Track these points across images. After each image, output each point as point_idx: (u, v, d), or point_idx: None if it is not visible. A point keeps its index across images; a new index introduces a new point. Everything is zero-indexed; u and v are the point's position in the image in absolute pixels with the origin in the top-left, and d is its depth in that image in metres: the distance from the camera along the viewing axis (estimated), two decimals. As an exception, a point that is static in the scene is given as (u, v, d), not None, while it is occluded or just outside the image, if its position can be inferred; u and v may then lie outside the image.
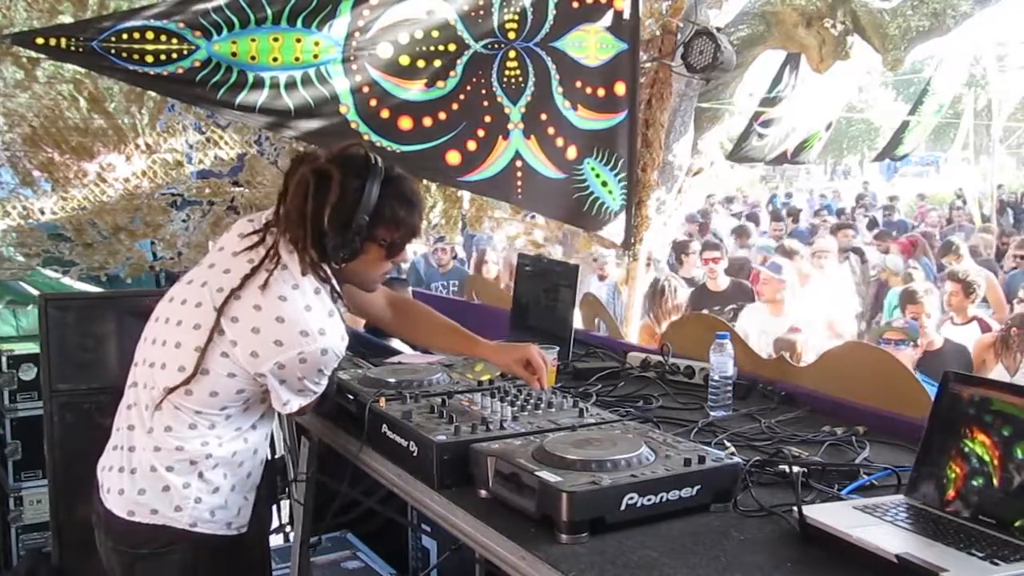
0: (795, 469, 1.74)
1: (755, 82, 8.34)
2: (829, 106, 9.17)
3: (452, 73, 3.27)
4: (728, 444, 1.96)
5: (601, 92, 3.54)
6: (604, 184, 3.64)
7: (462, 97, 3.30)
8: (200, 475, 1.94)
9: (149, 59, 2.76)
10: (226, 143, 3.43)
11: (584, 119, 3.53)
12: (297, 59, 3.00)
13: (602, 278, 6.75)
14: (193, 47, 2.81)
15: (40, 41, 2.68)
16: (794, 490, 1.61)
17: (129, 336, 2.14)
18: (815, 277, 6.40)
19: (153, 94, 3.20)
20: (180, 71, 2.81)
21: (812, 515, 1.51)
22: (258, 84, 2.94)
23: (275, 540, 3.45)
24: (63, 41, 2.67)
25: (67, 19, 3.01)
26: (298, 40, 2.98)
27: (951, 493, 1.58)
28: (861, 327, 6.57)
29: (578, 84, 3.48)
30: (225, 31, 2.85)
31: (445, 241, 6.84)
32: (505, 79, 3.36)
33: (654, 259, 6.25)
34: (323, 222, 1.86)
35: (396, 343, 3.81)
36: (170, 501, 1.92)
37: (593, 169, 3.60)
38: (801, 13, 5.14)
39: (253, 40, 2.91)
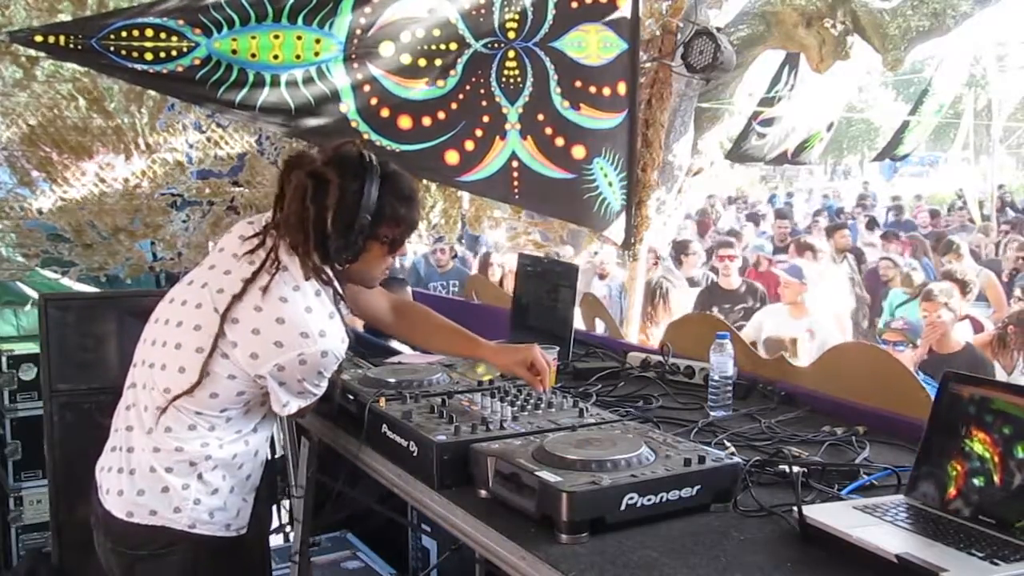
0: (795, 469, 1.74)
1: (755, 82, 8.34)
2: (829, 106, 9.17)
3: (452, 72, 3.27)
4: (728, 444, 1.96)
5: (606, 91, 3.53)
6: (611, 184, 3.64)
7: (461, 97, 3.30)
8: (199, 476, 1.94)
9: (149, 57, 2.76)
10: (226, 143, 3.42)
11: (590, 118, 3.53)
12: (298, 57, 2.99)
13: (602, 277, 6.76)
14: (193, 44, 2.80)
15: (39, 39, 2.68)
16: (794, 490, 1.61)
17: (129, 336, 2.14)
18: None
19: (153, 93, 3.19)
20: (180, 69, 2.80)
21: (812, 515, 1.51)
22: (259, 82, 2.94)
23: (275, 540, 3.46)
24: (62, 39, 2.66)
25: (66, 18, 3.00)
26: (299, 38, 2.98)
27: (951, 493, 1.58)
28: (864, 326, 6.58)
29: (578, 84, 3.47)
30: (226, 28, 2.84)
31: (444, 241, 6.85)
32: (504, 79, 3.36)
33: (661, 258, 6.27)
34: (325, 226, 1.86)
35: (396, 343, 3.82)
36: (169, 502, 1.92)
37: (602, 169, 3.60)
38: (801, 13, 5.14)
39: (254, 37, 2.90)
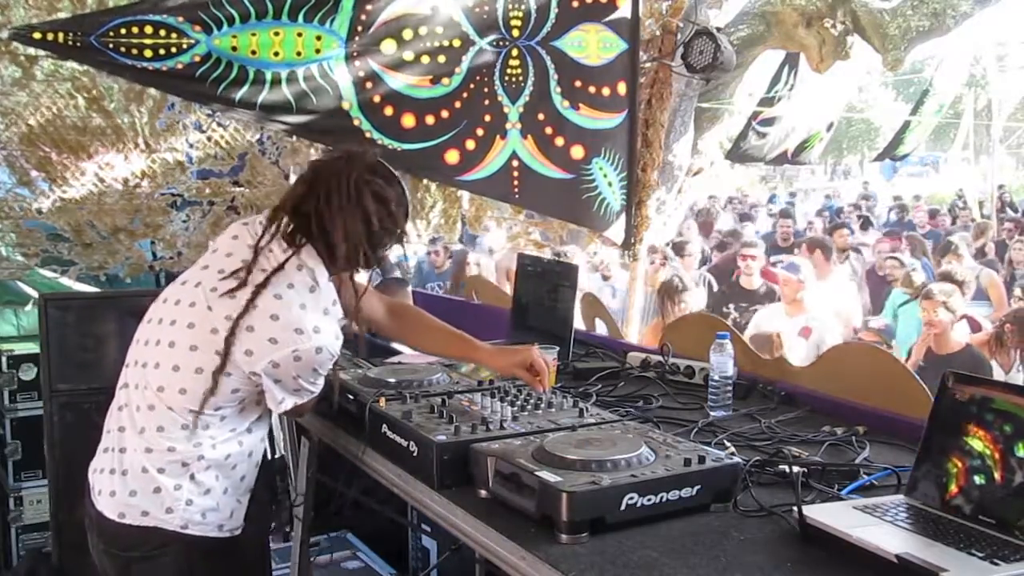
0: (795, 469, 1.74)
1: (755, 82, 8.34)
2: (829, 106, 9.17)
3: (457, 70, 3.25)
4: (728, 444, 1.96)
5: (606, 91, 3.53)
6: (610, 184, 3.64)
7: (465, 95, 3.29)
8: (191, 477, 1.93)
9: (148, 54, 2.74)
10: (227, 142, 3.41)
11: (590, 118, 3.53)
12: (299, 54, 2.97)
13: (606, 278, 6.76)
14: (193, 42, 2.79)
15: (38, 36, 2.66)
16: (794, 490, 1.61)
17: (129, 336, 2.14)
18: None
19: (153, 92, 3.18)
20: (179, 66, 2.79)
21: (812, 515, 1.51)
22: (259, 80, 2.92)
23: (275, 540, 3.46)
24: (61, 36, 2.65)
25: (66, 16, 2.99)
26: (299, 34, 2.96)
27: (951, 493, 1.58)
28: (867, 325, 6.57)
29: (577, 84, 3.47)
30: (225, 26, 2.83)
31: (438, 243, 6.84)
32: (507, 78, 3.35)
33: (668, 258, 6.26)
34: (375, 236, 1.94)
35: (396, 343, 3.82)
36: (161, 503, 1.91)
37: (601, 169, 3.59)
38: (801, 13, 5.14)
39: (254, 35, 2.88)
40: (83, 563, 2.19)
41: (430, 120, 3.25)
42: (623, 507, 1.53)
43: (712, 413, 2.26)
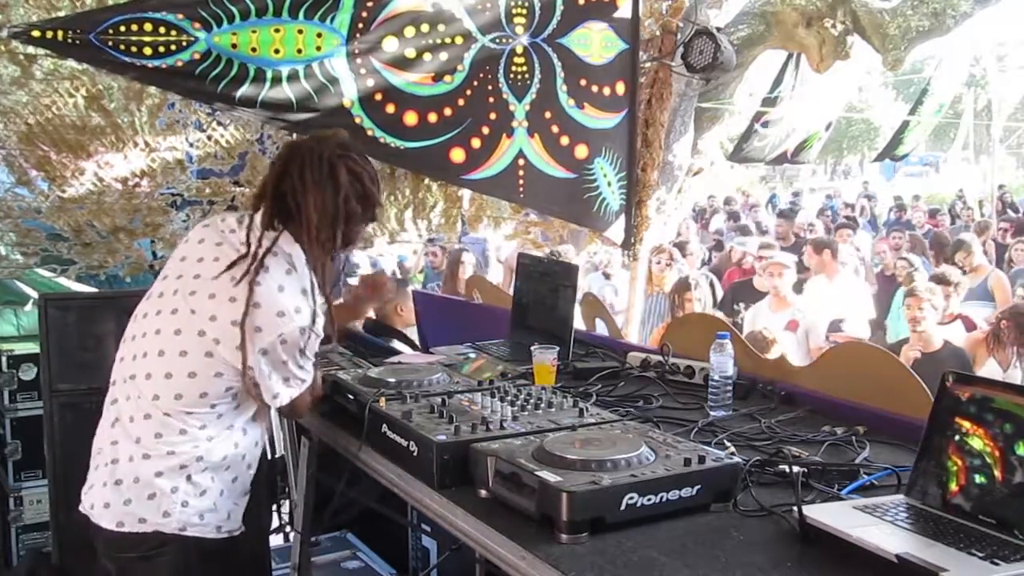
0: (795, 469, 1.74)
1: (755, 82, 8.34)
2: (829, 106, 9.17)
3: (460, 67, 3.24)
4: (728, 444, 1.96)
5: (607, 91, 3.53)
6: (609, 184, 3.63)
7: (468, 93, 3.27)
8: (188, 478, 1.94)
9: (148, 52, 2.73)
10: (227, 141, 3.40)
11: (593, 118, 3.52)
12: (299, 51, 2.96)
13: (607, 276, 6.77)
14: (193, 39, 2.78)
15: (37, 35, 2.66)
16: (794, 490, 1.61)
17: (130, 336, 2.16)
18: (818, 277, 6.41)
19: (153, 91, 3.17)
20: (179, 64, 2.78)
21: (812, 515, 1.51)
22: (259, 77, 2.90)
23: (275, 540, 3.46)
24: (60, 34, 2.64)
25: (65, 14, 2.98)
26: (300, 32, 2.94)
27: (951, 492, 1.58)
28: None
29: (582, 82, 3.47)
30: (226, 23, 2.81)
31: (435, 243, 6.83)
32: (512, 75, 3.33)
33: (674, 259, 6.26)
34: (354, 216, 1.99)
35: (396, 343, 3.82)
36: (157, 507, 1.92)
37: (602, 169, 3.59)
38: (801, 13, 5.14)
39: (254, 32, 2.87)
40: (83, 563, 2.19)
41: (433, 118, 3.23)
42: (623, 507, 1.53)
43: (712, 413, 2.26)
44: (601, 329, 3.86)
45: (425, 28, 3.15)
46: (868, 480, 1.79)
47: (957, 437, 1.61)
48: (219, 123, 3.35)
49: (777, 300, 5.48)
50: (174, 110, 3.29)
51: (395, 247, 7.61)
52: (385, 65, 3.11)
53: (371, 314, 4.47)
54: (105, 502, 1.96)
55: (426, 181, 3.66)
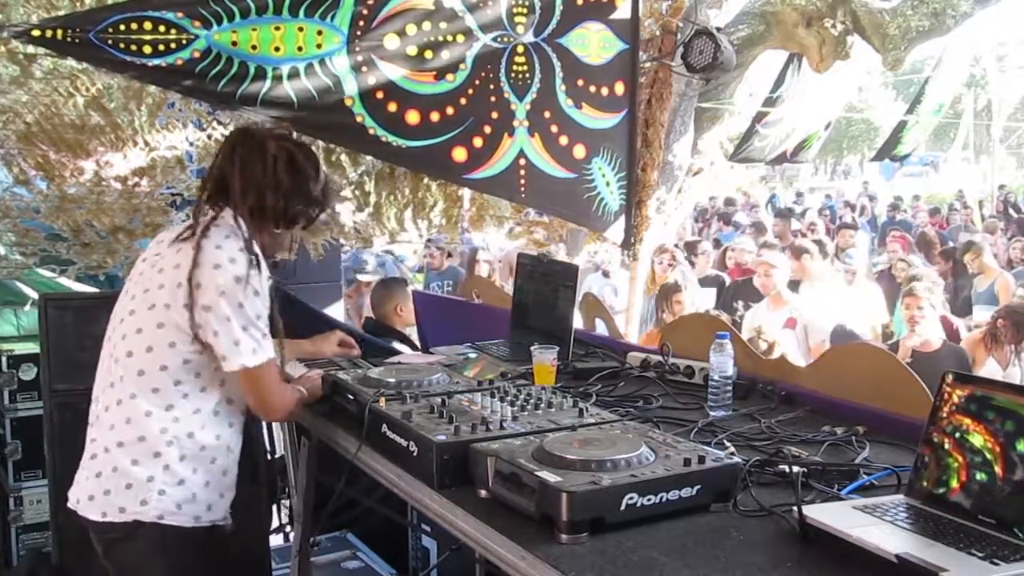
0: (795, 469, 1.74)
1: (755, 82, 8.34)
2: (829, 106, 9.16)
3: (462, 66, 3.23)
4: (728, 444, 1.96)
5: (605, 91, 3.52)
6: (608, 184, 3.63)
7: (470, 92, 3.26)
8: (165, 467, 2.00)
9: (147, 50, 2.72)
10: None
11: (591, 118, 3.52)
12: (300, 49, 2.93)
13: (606, 274, 6.77)
14: (192, 37, 2.76)
15: (36, 34, 2.65)
16: (794, 490, 1.61)
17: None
18: (822, 277, 6.40)
19: (153, 90, 3.16)
20: (179, 62, 2.76)
21: (812, 515, 1.51)
22: (260, 75, 2.88)
23: (275, 540, 3.46)
24: (59, 33, 2.63)
25: (65, 13, 2.98)
26: (300, 29, 2.92)
27: (951, 492, 1.58)
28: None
29: (580, 82, 3.47)
30: (226, 21, 2.79)
31: (434, 243, 6.83)
32: (513, 74, 3.33)
33: (677, 260, 6.26)
34: (290, 191, 2.11)
35: (396, 343, 3.82)
36: (135, 496, 1.98)
37: (600, 169, 3.59)
38: (801, 13, 5.13)
39: (254, 30, 2.85)
40: (83, 563, 2.20)
41: (435, 117, 3.22)
42: (623, 507, 1.53)
43: (712, 413, 2.26)
44: (601, 329, 3.86)
45: (427, 25, 3.14)
46: (868, 480, 1.79)
47: (957, 436, 1.61)
48: (219, 122, 3.35)
49: (773, 299, 5.48)
50: (174, 109, 3.29)
51: (400, 246, 7.61)
52: (386, 63, 3.09)
53: (371, 314, 4.48)
54: (89, 495, 2.03)
55: (426, 180, 3.66)
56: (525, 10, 3.31)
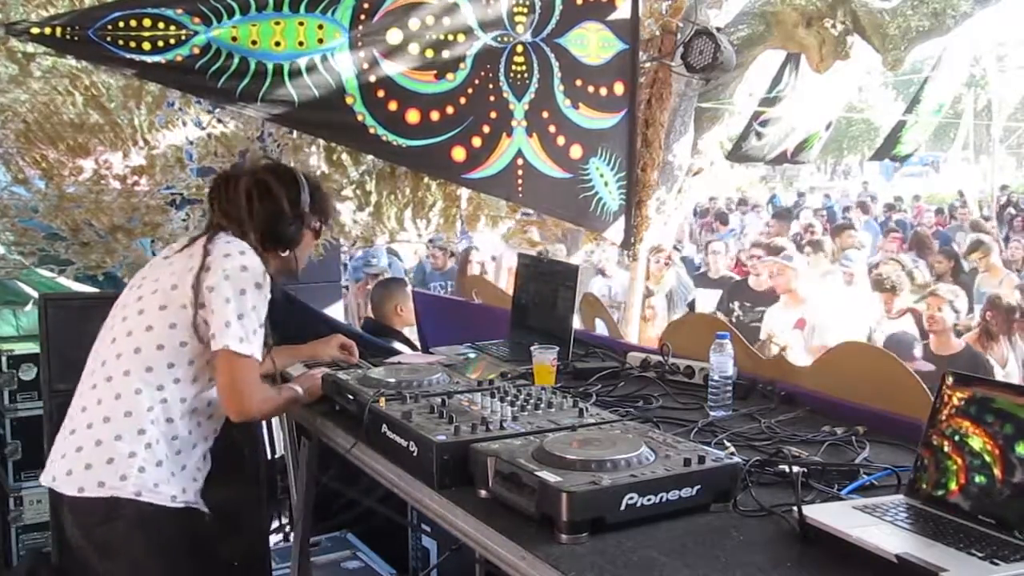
0: (795, 469, 1.74)
1: (755, 82, 8.34)
2: (829, 106, 9.16)
3: (462, 65, 3.22)
4: (728, 444, 1.96)
5: (603, 91, 3.52)
6: (606, 184, 3.63)
7: (470, 91, 3.25)
8: (147, 446, 2.04)
9: (147, 47, 2.70)
10: (227, 139, 3.39)
11: (588, 118, 3.52)
12: (301, 44, 2.91)
13: (601, 272, 6.78)
14: (192, 33, 2.75)
15: (35, 31, 2.64)
16: (794, 490, 1.61)
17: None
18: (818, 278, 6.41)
19: (152, 88, 3.15)
20: (179, 59, 2.74)
21: (812, 515, 1.51)
22: (260, 72, 2.86)
23: (275, 540, 3.46)
24: (58, 31, 2.62)
25: (64, 12, 2.97)
26: (301, 24, 2.91)
27: (951, 492, 1.58)
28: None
29: (578, 83, 3.46)
30: (225, 17, 2.78)
31: (436, 242, 6.83)
32: (512, 74, 3.32)
33: (672, 261, 6.27)
34: (273, 219, 2.23)
35: (396, 343, 3.82)
36: (115, 471, 2.01)
37: (598, 169, 3.58)
38: (801, 13, 5.14)
39: (254, 25, 2.84)
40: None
41: (435, 116, 3.21)
42: (623, 507, 1.53)
43: (712, 413, 2.26)
44: (601, 329, 3.86)
45: (430, 20, 3.12)
46: (868, 480, 1.79)
47: (957, 437, 1.61)
48: (219, 120, 3.34)
49: (788, 299, 5.47)
50: (173, 108, 3.28)
51: (399, 247, 7.62)
52: (388, 60, 3.08)
53: (370, 314, 4.48)
54: (67, 470, 2.05)
55: (425, 180, 3.66)
56: (525, 9, 3.30)
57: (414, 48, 3.12)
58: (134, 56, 2.70)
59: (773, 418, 2.23)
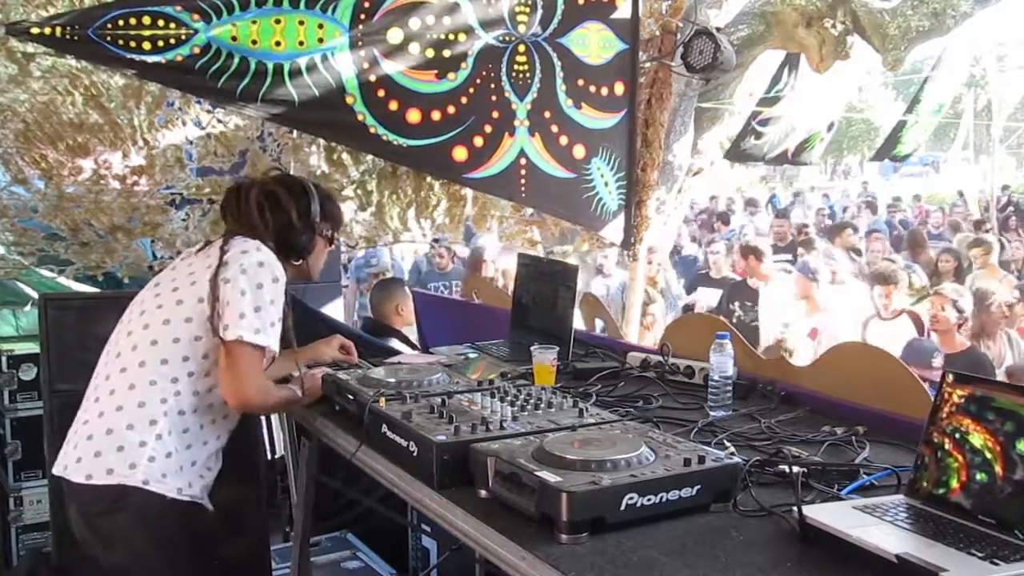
0: (795, 469, 1.74)
1: (755, 82, 8.34)
2: (829, 106, 9.16)
3: (463, 65, 3.21)
4: (728, 444, 1.95)
5: (604, 91, 3.52)
6: (607, 184, 3.63)
7: (471, 91, 3.25)
8: (158, 436, 2.06)
9: (147, 46, 2.70)
10: (227, 139, 3.38)
11: (590, 118, 3.51)
12: (301, 43, 2.90)
13: (599, 270, 6.76)
14: (192, 32, 2.73)
15: (35, 31, 2.64)
16: (794, 490, 1.61)
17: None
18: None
19: (152, 88, 3.14)
20: (179, 59, 2.73)
21: (812, 515, 1.51)
22: (260, 71, 2.85)
23: (275, 540, 3.46)
24: (58, 30, 2.61)
25: (63, 11, 2.96)
26: (301, 22, 2.90)
27: (951, 492, 1.58)
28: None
29: (580, 82, 3.46)
30: (225, 14, 2.77)
31: (441, 243, 6.82)
32: (514, 74, 3.32)
33: (659, 264, 6.26)
34: (285, 229, 2.29)
35: (396, 343, 3.82)
36: (124, 459, 2.03)
37: (599, 169, 3.58)
38: (801, 13, 5.14)
39: (254, 23, 2.82)
40: (83, 563, 2.21)
41: (436, 116, 3.20)
42: (623, 507, 1.53)
43: (712, 413, 2.26)
44: (601, 329, 3.86)
45: (430, 20, 3.12)
46: (868, 480, 1.79)
47: (957, 436, 1.61)
48: (219, 120, 3.34)
49: (808, 305, 5.47)
50: (173, 108, 3.27)
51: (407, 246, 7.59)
52: (388, 60, 3.07)
53: (370, 314, 4.48)
54: (77, 458, 2.07)
55: (428, 180, 3.65)
56: (527, 9, 3.30)
57: (415, 48, 3.11)
58: (134, 56, 2.70)
59: (773, 418, 2.22)
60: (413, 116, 3.16)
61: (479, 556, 2.40)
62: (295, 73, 2.92)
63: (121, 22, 2.66)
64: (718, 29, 3.74)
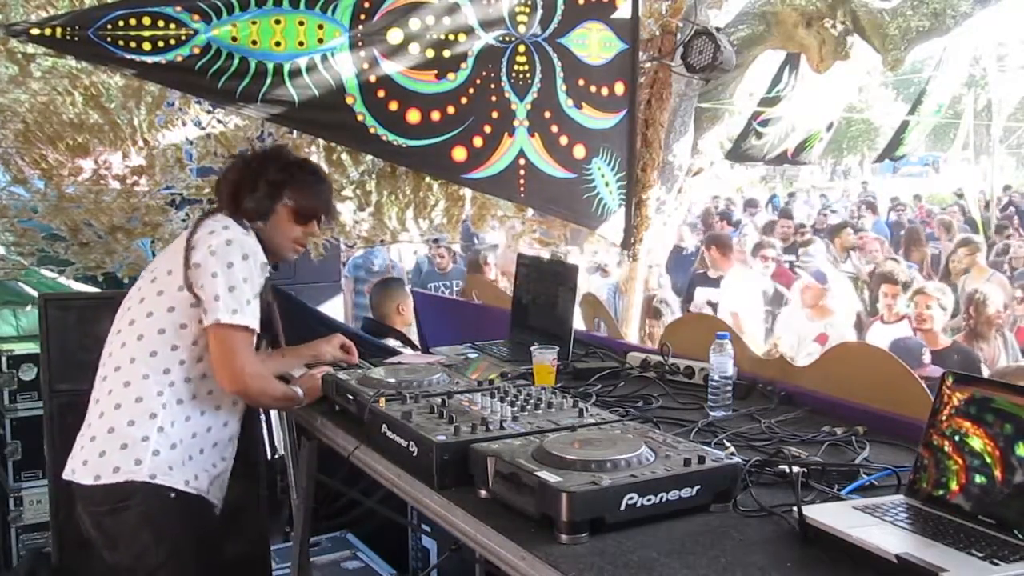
0: (795, 469, 1.74)
1: (755, 82, 8.33)
2: (829, 106, 9.16)
3: (463, 65, 3.21)
4: (728, 444, 1.95)
5: (605, 91, 3.52)
6: (607, 184, 3.63)
7: (471, 91, 3.24)
8: (160, 429, 2.08)
9: (147, 47, 2.69)
10: (227, 139, 3.38)
11: (591, 118, 3.51)
12: (301, 44, 2.90)
13: (599, 268, 6.76)
14: (192, 32, 2.73)
15: (35, 32, 2.63)
16: (794, 490, 1.61)
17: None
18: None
19: (152, 88, 3.14)
20: (179, 59, 2.73)
21: (812, 515, 1.51)
22: (260, 72, 2.84)
23: (275, 540, 3.46)
24: (58, 31, 2.61)
25: (64, 12, 2.96)
26: (301, 23, 2.90)
27: (951, 493, 1.58)
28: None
29: (580, 82, 3.46)
30: (225, 14, 2.77)
31: (440, 243, 6.81)
32: (514, 74, 3.32)
33: (654, 266, 6.25)
34: (239, 191, 2.28)
35: (396, 343, 3.82)
36: (130, 456, 2.05)
37: (599, 169, 3.58)
38: (801, 13, 5.14)
39: (254, 23, 2.82)
40: (83, 563, 2.21)
41: (436, 116, 3.20)
42: (623, 507, 1.53)
43: (712, 413, 2.26)
44: (601, 329, 3.86)
45: (430, 20, 3.12)
46: (868, 480, 1.79)
47: (957, 437, 1.61)
48: (219, 120, 3.34)
49: (816, 310, 5.46)
50: (173, 108, 3.27)
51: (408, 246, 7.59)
52: (388, 60, 3.07)
53: (370, 314, 4.48)
54: (84, 460, 2.10)
55: (427, 180, 3.65)
56: (528, 9, 3.29)
57: (415, 48, 3.11)
58: (134, 56, 2.69)
59: (773, 418, 2.22)
60: (413, 116, 3.16)
61: (479, 556, 2.40)
62: (295, 73, 2.91)
63: (121, 23, 2.66)
64: (718, 29, 3.74)
